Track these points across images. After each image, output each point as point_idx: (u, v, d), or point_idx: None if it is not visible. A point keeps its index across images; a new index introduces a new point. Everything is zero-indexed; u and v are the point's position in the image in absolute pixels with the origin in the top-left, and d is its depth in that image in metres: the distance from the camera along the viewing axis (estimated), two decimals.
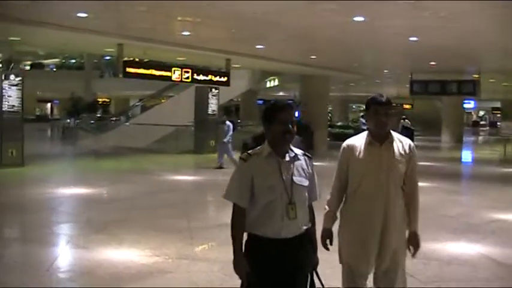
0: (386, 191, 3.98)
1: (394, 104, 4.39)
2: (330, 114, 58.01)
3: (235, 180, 3.42)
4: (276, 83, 32.25)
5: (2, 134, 15.13)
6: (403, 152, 4.00)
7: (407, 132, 31.62)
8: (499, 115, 58.79)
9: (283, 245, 3.32)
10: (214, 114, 22.15)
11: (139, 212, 9.66)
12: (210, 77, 18.33)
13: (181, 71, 17.08)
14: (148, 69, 16.23)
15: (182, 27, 12.89)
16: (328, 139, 32.44)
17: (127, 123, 33.25)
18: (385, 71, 23.42)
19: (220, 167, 15.99)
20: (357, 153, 4.02)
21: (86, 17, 11.48)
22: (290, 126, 3.36)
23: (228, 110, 36.29)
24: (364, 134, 4.11)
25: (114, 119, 44.25)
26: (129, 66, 15.49)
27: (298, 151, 3.52)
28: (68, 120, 38.72)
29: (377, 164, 3.98)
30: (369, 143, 4.01)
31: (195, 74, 17.60)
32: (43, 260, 6.44)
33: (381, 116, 3.90)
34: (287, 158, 3.42)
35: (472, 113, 67.98)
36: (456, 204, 11.35)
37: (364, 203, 4.00)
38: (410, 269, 6.18)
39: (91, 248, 7.03)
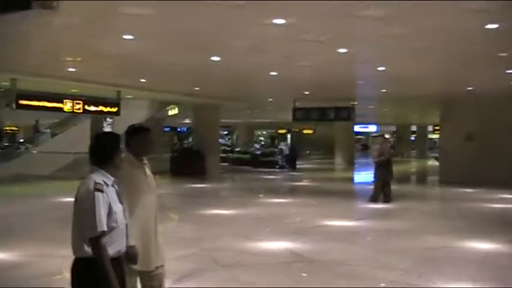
0: (154, 204, 4.73)
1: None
2: (230, 140, 59.57)
3: (101, 212, 3.48)
4: (177, 111, 33.82)
5: None
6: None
7: (288, 157, 32.77)
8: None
9: (121, 261, 3.70)
10: None
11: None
12: (100, 107, 19.33)
13: (73, 102, 18.11)
14: (40, 101, 17.19)
15: (68, 64, 14.20)
16: (227, 164, 34.21)
17: (34, 151, 33.71)
18: (270, 99, 25.50)
19: None
20: (135, 173, 4.58)
21: None
22: None
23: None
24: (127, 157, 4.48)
25: (21, 146, 44.23)
26: (22, 99, 16.45)
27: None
28: None
29: (145, 180, 4.66)
30: (138, 165, 4.63)
31: (86, 105, 18.61)
32: None
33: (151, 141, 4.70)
34: (115, 186, 3.76)
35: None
36: (301, 215, 13.16)
37: (144, 217, 4.58)
38: (215, 256, 8.22)
39: None
